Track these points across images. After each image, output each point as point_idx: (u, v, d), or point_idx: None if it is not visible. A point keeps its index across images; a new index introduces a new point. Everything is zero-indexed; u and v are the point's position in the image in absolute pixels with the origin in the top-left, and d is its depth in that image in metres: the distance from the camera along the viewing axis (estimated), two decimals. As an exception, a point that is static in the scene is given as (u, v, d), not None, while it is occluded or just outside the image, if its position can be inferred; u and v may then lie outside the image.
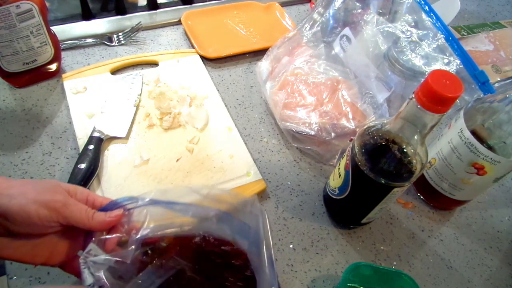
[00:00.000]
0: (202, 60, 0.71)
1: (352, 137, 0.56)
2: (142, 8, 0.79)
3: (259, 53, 0.72)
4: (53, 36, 0.60)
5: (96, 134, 0.55)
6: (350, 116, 0.58)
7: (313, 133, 0.57)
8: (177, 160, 0.56)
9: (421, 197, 0.59)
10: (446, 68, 0.56)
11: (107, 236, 0.37)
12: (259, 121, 0.64)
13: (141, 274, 0.35)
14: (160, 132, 0.59)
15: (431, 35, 0.57)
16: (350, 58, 0.61)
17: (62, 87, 0.63)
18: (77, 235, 0.38)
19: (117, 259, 0.35)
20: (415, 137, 0.41)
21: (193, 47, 0.72)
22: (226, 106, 0.65)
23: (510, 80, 0.74)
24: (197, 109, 0.62)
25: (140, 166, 0.55)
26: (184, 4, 0.82)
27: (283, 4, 0.85)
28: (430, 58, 0.57)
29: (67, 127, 0.59)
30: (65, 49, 0.68)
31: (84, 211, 0.36)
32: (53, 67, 0.63)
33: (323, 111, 0.58)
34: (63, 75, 0.63)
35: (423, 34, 0.58)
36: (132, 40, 0.73)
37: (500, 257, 0.55)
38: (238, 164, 0.57)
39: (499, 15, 0.97)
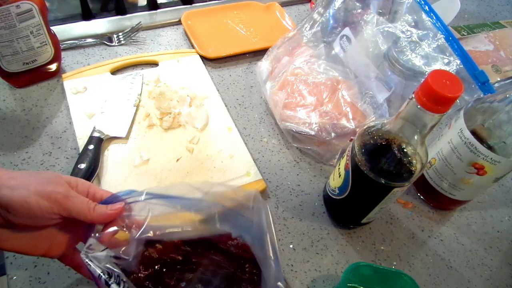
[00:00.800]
0: (202, 60, 0.71)
1: (352, 137, 0.56)
2: (142, 8, 0.79)
3: (259, 53, 0.72)
4: (53, 36, 0.60)
5: (96, 134, 0.55)
6: (350, 116, 0.58)
7: (313, 133, 0.57)
8: (177, 160, 0.56)
9: (421, 197, 0.59)
10: (446, 68, 0.56)
11: (108, 230, 0.37)
12: (259, 121, 0.64)
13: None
14: (160, 132, 0.59)
15: (431, 35, 0.57)
16: (350, 58, 0.61)
17: (62, 87, 0.63)
18: (78, 227, 0.38)
19: (119, 255, 0.35)
20: (415, 137, 0.41)
21: (193, 47, 0.72)
22: (226, 106, 0.65)
23: (510, 80, 0.74)
24: (197, 109, 0.62)
25: (140, 166, 0.55)
26: (184, 4, 0.82)
27: (283, 4, 0.85)
28: (430, 58, 0.57)
29: (67, 127, 0.59)
30: (65, 49, 0.68)
31: (85, 203, 0.36)
32: (53, 67, 0.63)
33: (323, 111, 0.58)
34: (63, 75, 0.63)
35: (423, 34, 0.58)
36: (132, 40, 0.73)
37: (500, 257, 0.55)
38: (238, 164, 0.57)
39: (499, 15, 0.97)
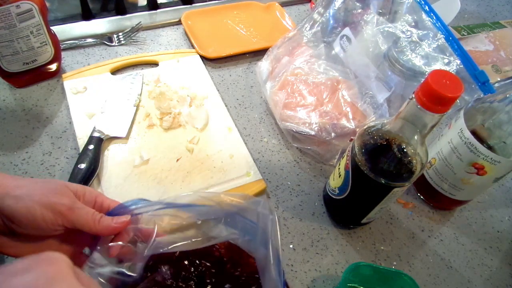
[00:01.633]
0: (202, 60, 0.71)
1: (352, 137, 0.56)
2: (142, 8, 0.79)
3: (259, 53, 0.72)
4: (53, 36, 0.60)
5: (96, 134, 0.55)
6: (350, 116, 0.58)
7: (313, 133, 0.57)
8: (177, 160, 0.56)
9: (421, 197, 0.59)
10: (446, 68, 0.56)
11: (111, 244, 0.36)
12: (259, 121, 0.64)
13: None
14: (160, 132, 0.59)
15: (431, 35, 0.57)
16: (350, 58, 0.61)
17: (62, 87, 0.63)
18: (84, 234, 0.38)
19: (124, 272, 0.35)
20: (415, 137, 0.41)
21: (193, 47, 0.72)
22: (226, 106, 0.65)
23: (510, 80, 0.74)
24: (197, 109, 0.62)
25: (140, 166, 0.55)
26: (184, 4, 0.82)
27: (283, 4, 0.85)
28: (430, 58, 0.57)
29: (67, 127, 0.59)
30: (65, 49, 0.68)
31: (90, 215, 0.35)
32: (53, 67, 0.63)
33: (323, 111, 0.58)
34: (63, 75, 0.63)
35: (423, 34, 0.58)
36: (132, 40, 0.73)
37: (500, 257, 0.55)
38: (238, 164, 0.57)
39: (499, 15, 0.97)
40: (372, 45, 0.59)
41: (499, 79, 0.73)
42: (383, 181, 0.43)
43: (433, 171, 0.55)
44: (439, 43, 0.57)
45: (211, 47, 0.73)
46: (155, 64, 0.69)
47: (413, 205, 0.58)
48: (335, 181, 0.51)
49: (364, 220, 0.51)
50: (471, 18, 0.94)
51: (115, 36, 0.72)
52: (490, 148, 0.47)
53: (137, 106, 0.61)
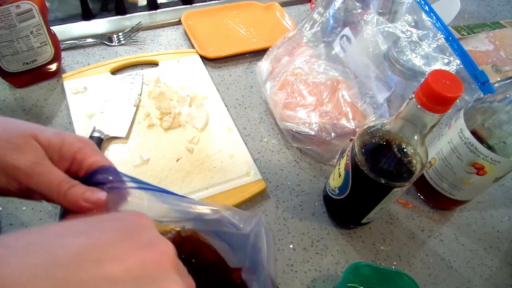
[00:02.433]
0: (202, 60, 0.71)
1: (352, 137, 0.56)
2: (142, 8, 0.79)
3: (259, 53, 0.72)
4: (53, 36, 0.60)
5: (96, 134, 0.55)
6: (350, 116, 0.58)
7: (313, 133, 0.57)
8: (177, 160, 0.56)
9: (421, 197, 0.59)
10: (446, 68, 0.56)
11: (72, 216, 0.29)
12: (259, 121, 0.64)
13: None
14: (160, 132, 0.59)
15: (431, 35, 0.57)
16: (350, 58, 0.61)
17: (62, 87, 0.63)
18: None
19: None
20: (415, 137, 0.41)
21: (193, 47, 0.72)
22: (226, 106, 0.65)
23: (510, 80, 0.74)
24: (197, 109, 0.62)
25: (140, 166, 0.55)
26: (184, 4, 0.82)
27: (283, 4, 0.85)
28: (430, 58, 0.57)
29: (67, 127, 0.59)
30: (65, 49, 0.68)
31: (55, 184, 0.28)
32: (53, 67, 0.63)
33: (323, 111, 0.58)
34: (63, 75, 0.63)
35: (423, 34, 0.58)
36: (132, 40, 0.73)
37: (500, 257, 0.55)
38: (238, 164, 0.57)
39: (499, 15, 0.97)
40: (372, 45, 0.59)
41: (499, 79, 0.73)
42: (383, 181, 0.43)
43: (433, 171, 0.55)
44: (439, 43, 0.57)
45: (211, 47, 0.73)
46: (155, 64, 0.69)
47: (413, 205, 0.58)
48: (335, 181, 0.51)
49: (364, 220, 0.51)
50: (471, 18, 0.94)
51: (115, 36, 0.72)
52: (490, 148, 0.47)
53: (137, 106, 0.61)
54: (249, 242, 0.34)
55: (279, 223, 0.53)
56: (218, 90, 0.66)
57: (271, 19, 0.81)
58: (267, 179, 0.57)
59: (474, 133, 0.48)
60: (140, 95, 0.63)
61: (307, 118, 0.58)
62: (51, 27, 0.60)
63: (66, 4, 0.79)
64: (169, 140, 0.58)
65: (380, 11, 0.62)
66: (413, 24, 0.59)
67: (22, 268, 0.19)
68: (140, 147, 0.57)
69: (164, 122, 0.59)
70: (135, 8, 0.79)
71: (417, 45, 0.58)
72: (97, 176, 0.29)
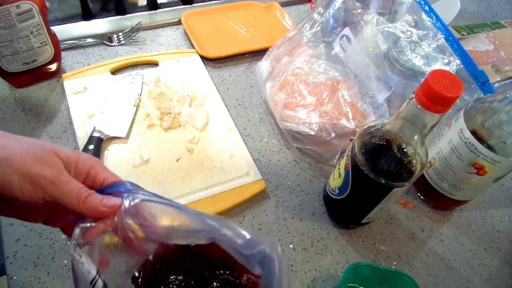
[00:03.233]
0: (202, 60, 0.71)
1: (352, 137, 0.56)
2: (142, 8, 0.79)
3: (259, 53, 0.72)
4: (53, 36, 0.60)
5: (96, 134, 0.55)
6: (350, 116, 0.58)
7: (313, 133, 0.57)
8: (177, 160, 0.56)
9: (421, 197, 0.59)
10: (446, 68, 0.56)
11: (92, 224, 0.32)
12: (259, 121, 0.64)
13: None
14: (160, 132, 0.59)
15: (431, 35, 0.57)
16: (350, 58, 0.61)
17: (62, 87, 0.63)
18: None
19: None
20: (415, 137, 0.41)
21: (193, 47, 0.72)
22: (226, 106, 0.65)
23: (510, 80, 0.74)
24: (197, 109, 0.62)
25: (140, 166, 0.55)
26: (184, 4, 0.82)
27: (283, 4, 0.85)
28: (430, 58, 0.57)
29: (67, 127, 0.59)
30: (65, 49, 0.68)
31: (75, 192, 0.31)
32: (53, 67, 0.63)
33: (323, 111, 0.58)
34: (63, 75, 0.63)
35: (423, 34, 0.58)
36: (132, 40, 0.73)
37: (500, 257, 0.55)
38: (238, 164, 0.57)
39: (499, 15, 0.97)
40: (372, 45, 0.59)
41: (499, 79, 0.73)
42: (383, 181, 0.43)
43: (433, 171, 0.55)
44: (439, 43, 0.57)
45: (211, 47, 0.73)
46: (155, 64, 0.69)
47: (413, 205, 0.58)
48: (335, 181, 0.51)
49: (364, 220, 0.51)
50: (471, 18, 0.94)
51: (115, 36, 0.72)
52: (490, 148, 0.47)
53: (137, 106, 0.61)
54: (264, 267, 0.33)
55: (279, 223, 0.53)
56: (218, 90, 0.66)
57: (271, 19, 0.81)
58: (267, 179, 0.57)
59: (474, 133, 0.48)
60: (140, 95, 0.63)
61: (307, 118, 0.58)
62: (51, 27, 0.60)
63: (66, 4, 0.79)
64: (169, 140, 0.58)
65: (380, 11, 0.62)
66: (413, 24, 0.59)
67: None
68: (140, 147, 0.57)
69: (164, 122, 0.59)
70: (135, 8, 0.79)
71: (417, 45, 0.58)
72: (109, 189, 0.33)
